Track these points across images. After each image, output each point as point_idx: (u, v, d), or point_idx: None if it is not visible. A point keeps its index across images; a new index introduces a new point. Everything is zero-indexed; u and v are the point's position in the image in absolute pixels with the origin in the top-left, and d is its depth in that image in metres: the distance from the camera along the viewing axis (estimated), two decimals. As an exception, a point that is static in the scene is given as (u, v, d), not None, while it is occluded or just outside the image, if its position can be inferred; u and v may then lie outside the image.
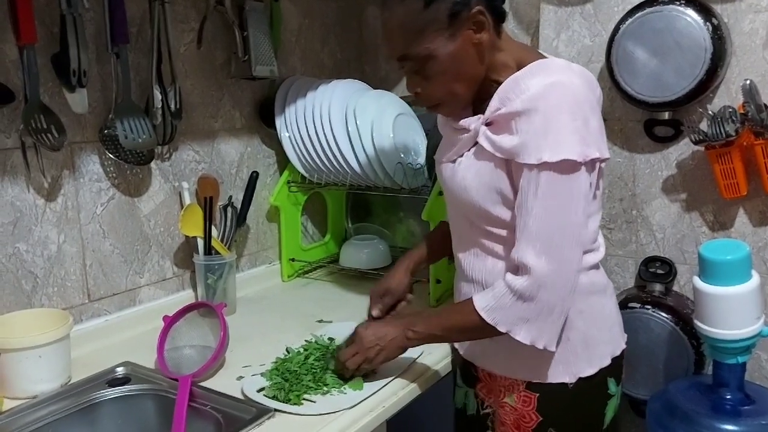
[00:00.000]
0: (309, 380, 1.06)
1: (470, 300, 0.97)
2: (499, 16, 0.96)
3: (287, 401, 1.01)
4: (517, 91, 0.92)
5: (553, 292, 0.91)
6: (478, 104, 1.00)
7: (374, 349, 1.04)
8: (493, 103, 0.95)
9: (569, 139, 0.88)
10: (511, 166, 0.93)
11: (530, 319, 0.92)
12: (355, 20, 1.91)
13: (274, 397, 1.02)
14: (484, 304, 0.95)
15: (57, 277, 1.22)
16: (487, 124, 0.96)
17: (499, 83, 0.95)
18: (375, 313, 1.17)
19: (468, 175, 0.98)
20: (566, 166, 0.88)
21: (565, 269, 0.91)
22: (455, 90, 0.97)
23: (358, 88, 1.59)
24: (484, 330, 0.96)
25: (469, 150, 1.00)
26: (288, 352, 1.18)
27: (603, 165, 0.97)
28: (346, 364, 1.06)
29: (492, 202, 0.97)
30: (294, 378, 1.07)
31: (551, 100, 0.88)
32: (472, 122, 0.98)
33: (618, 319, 1.09)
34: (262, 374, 1.10)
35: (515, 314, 0.93)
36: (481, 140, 0.96)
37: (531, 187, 0.90)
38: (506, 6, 1.64)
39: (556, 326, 0.94)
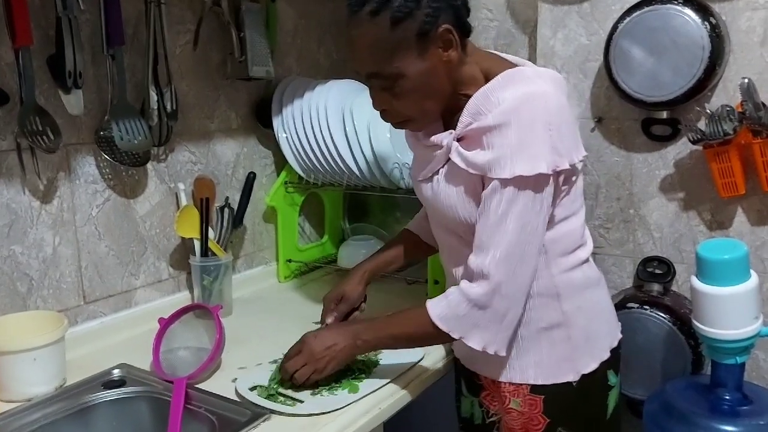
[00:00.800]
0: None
1: (423, 308, 0.97)
2: (465, 32, 0.96)
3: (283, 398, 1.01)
4: (488, 105, 0.91)
5: (507, 300, 0.92)
6: (448, 117, 0.99)
7: (324, 360, 1.02)
8: (464, 118, 0.94)
9: (543, 152, 0.88)
10: (484, 180, 0.93)
11: (483, 326, 0.93)
12: (352, 20, 1.90)
13: (269, 396, 1.01)
14: (438, 311, 0.95)
15: (52, 279, 1.22)
16: (459, 140, 0.95)
17: (468, 96, 0.94)
18: (329, 320, 1.16)
19: (451, 193, 0.98)
20: (538, 180, 0.89)
21: (521, 278, 0.92)
22: (425, 107, 0.96)
23: (354, 88, 1.58)
24: (436, 338, 0.97)
25: (443, 166, 1.00)
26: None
27: (579, 164, 0.97)
28: (295, 376, 1.03)
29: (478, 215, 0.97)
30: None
31: (524, 114, 0.88)
32: (443, 138, 0.97)
33: (612, 310, 1.11)
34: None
35: (469, 321, 0.93)
36: (453, 156, 0.95)
37: (497, 198, 0.90)
38: (502, 5, 1.65)
39: (508, 331, 0.95)
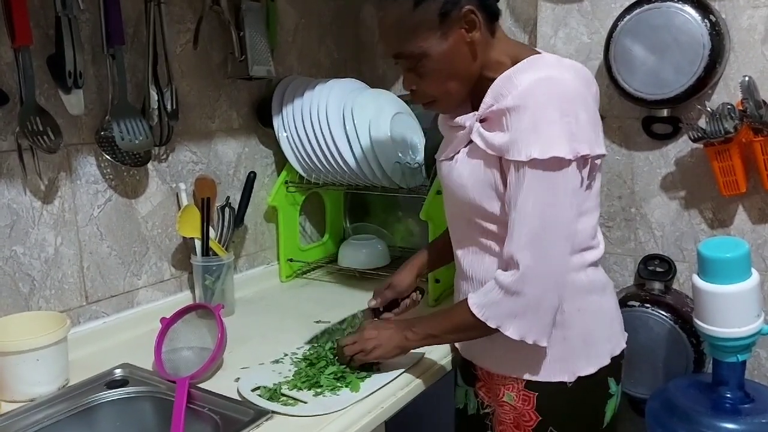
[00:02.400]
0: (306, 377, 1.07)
1: (465, 299, 0.99)
2: (492, 15, 0.97)
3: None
4: (509, 87, 0.92)
5: (539, 287, 0.92)
6: (476, 101, 1.00)
7: (372, 342, 1.06)
8: (487, 100, 0.96)
9: (558, 135, 0.88)
10: (502, 162, 0.94)
11: (518, 314, 0.93)
12: (351, 19, 1.90)
13: (271, 397, 1.01)
14: (475, 300, 0.97)
15: (54, 280, 1.22)
16: (482, 121, 0.97)
17: (494, 80, 0.96)
18: (372, 304, 1.19)
19: (464, 172, 0.99)
20: (555, 163, 0.89)
21: (552, 264, 0.92)
22: (449, 88, 0.98)
23: (355, 87, 1.58)
24: (477, 328, 0.97)
25: (465, 147, 1.01)
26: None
27: (599, 161, 0.97)
28: (344, 350, 1.08)
29: (488, 199, 0.97)
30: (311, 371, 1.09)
31: (540, 97, 0.89)
32: (467, 119, 0.99)
33: (618, 318, 1.09)
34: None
35: (504, 310, 0.94)
36: (474, 137, 0.97)
37: (519, 183, 0.91)
38: (502, 4, 1.65)
39: (544, 321, 0.94)
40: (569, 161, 0.89)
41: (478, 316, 0.95)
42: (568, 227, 0.93)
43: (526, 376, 1.02)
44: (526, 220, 0.91)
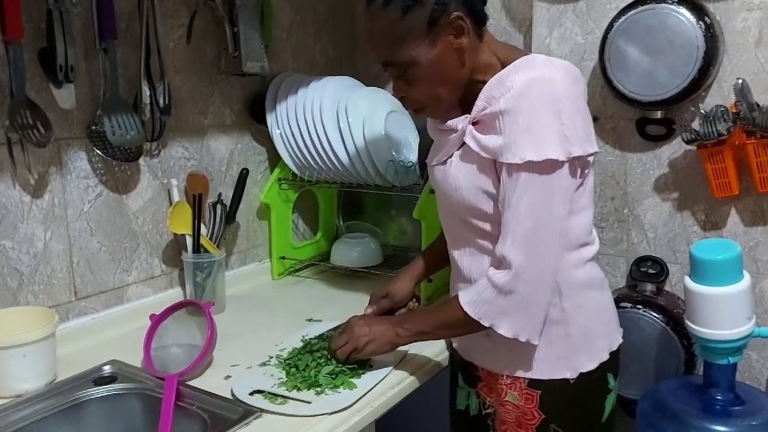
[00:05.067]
0: (304, 375, 1.06)
1: (456, 296, 0.99)
2: (480, 19, 0.97)
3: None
4: (501, 89, 0.93)
5: (531, 285, 0.93)
6: (466, 105, 1.00)
7: (363, 339, 1.06)
8: (479, 103, 0.96)
9: (553, 137, 0.89)
10: (496, 164, 0.94)
11: (511, 312, 0.94)
12: (347, 17, 1.89)
13: (271, 400, 1.00)
14: (467, 298, 0.97)
15: (43, 275, 1.21)
16: (474, 123, 0.97)
17: (485, 83, 0.96)
18: (368, 311, 1.20)
19: (459, 175, 0.99)
20: (549, 165, 0.90)
21: (545, 263, 0.93)
22: (439, 94, 0.98)
23: (350, 85, 1.58)
24: (468, 325, 0.97)
25: (457, 150, 1.01)
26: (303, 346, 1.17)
27: (591, 159, 0.97)
28: (336, 353, 1.08)
29: (484, 201, 0.98)
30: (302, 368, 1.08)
31: (533, 98, 0.89)
32: (459, 122, 1.00)
33: (614, 314, 1.11)
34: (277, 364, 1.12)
35: (497, 308, 0.94)
36: (468, 140, 0.97)
37: (513, 184, 0.91)
38: (498, 4, 1.65)
39: (537, 319, 0.95)
40: (562, 163, 0.90)
41: (471, 314, 0.96)
42: (560, 226, 0.93)
43: (529, 375, 1.02)
44: (519, 220, 0.92)
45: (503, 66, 0.96)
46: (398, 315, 1.18)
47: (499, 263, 0.95)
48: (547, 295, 0.95)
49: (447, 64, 0.95)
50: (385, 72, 1.01)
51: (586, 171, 0.98)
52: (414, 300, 1.23)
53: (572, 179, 0.93)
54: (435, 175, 1.07)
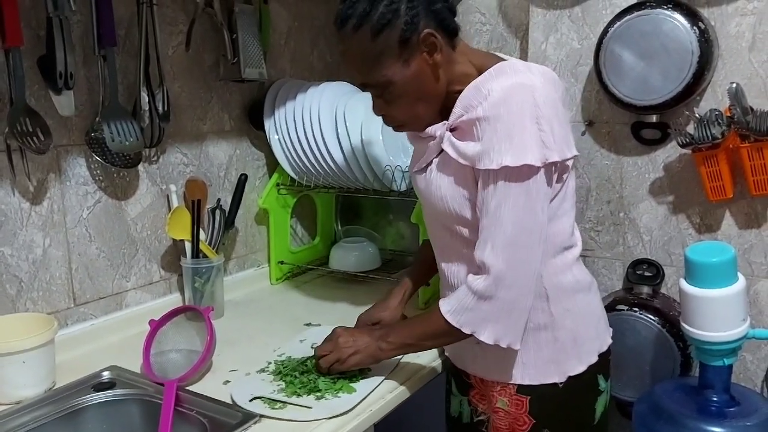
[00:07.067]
0: (302, 381, 1.06)
1: (437, 306, 0.99)
2: (452, 33, 0.97)
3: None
4: (479, 96, 0.93)
5: (512, 290, 0.93)
6: (445, 113, 1.00)
7: (348, 350, 1.05)
8: (457, 110, 0.96)
9: (532, 144, 0.89)
10: (474, 171, 0.94)
11: (492, 318, 0.94)
12: (344, 22, 1.90)
13: (272, 406, 1.01)
14: (448, 307, 0.97)
15: (42, 281, 1.21)
16: (452, 130, 0.97)
17: (461, 92, 0.96)
18: None
19: (442, 184, 1.00)
20: (526, 170, 0.90)
21: (525, 268, 0.93)
22: (417, 111, 0.99)
23: (347, 90, 1.58)
24: (451, 334, 0.97)
25: (436, 157, 1.01)
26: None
27: (570, 163, 0.97)
28: (320, 362, 1.08)
29: (469, 209, 0.98)
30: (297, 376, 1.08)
31: (512, 105, 0.89)
32: (437, 129, 1.00)
33: (603, 315, 1.11)
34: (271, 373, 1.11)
35: (478, 315, 0.94)
36: (446, 146, 0.97)
37: (490, 190, 0.92)
38: (494, 9, 1.66)
39: (518, 324, 0.95)
40: (538, 168, 0.90)
41: (452, 322, 0.96)
42: (541, 231, 0.94)
43: (518, 381, 1.02)
44: (499, 226, 0.92)
45: (479, 72, 0.96)
46: (381, 328, 1.14)
47: (478, 269, 0.94)
48: (529, 301, 0.95)
49: (423, 81, 0.96)
50: (364, 92, 1.02)
51: (565, 175, 0.98)
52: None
53: (549, 183, 0.93)
54: (417, 183, 1.07)
